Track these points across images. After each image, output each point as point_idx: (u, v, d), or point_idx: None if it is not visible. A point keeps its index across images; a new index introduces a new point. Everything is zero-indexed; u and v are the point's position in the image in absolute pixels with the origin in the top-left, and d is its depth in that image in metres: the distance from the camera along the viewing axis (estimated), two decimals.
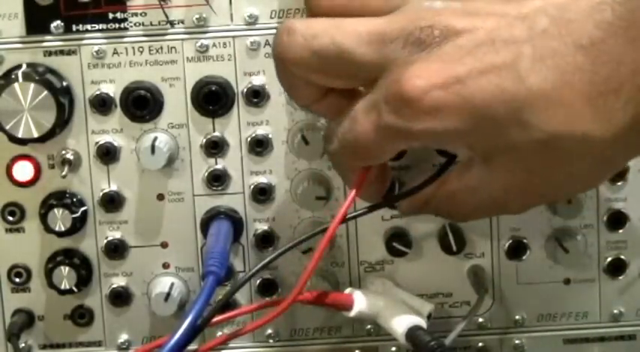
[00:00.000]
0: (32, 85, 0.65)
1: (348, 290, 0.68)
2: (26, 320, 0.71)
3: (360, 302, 0.67)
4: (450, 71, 0.52)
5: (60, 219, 0.68)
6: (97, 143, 0.69)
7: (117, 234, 0.71)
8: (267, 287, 0.71)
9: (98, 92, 0.68)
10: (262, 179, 0.70)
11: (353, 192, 0.60)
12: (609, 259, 0.71)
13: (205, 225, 0.70)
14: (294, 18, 0.60)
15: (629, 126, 0.51)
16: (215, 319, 0.62)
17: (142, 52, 0.68)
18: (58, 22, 0.68)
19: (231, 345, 0.72)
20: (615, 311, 0.72)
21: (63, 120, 0.67)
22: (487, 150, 0.54)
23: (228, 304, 0.70)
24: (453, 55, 0.52)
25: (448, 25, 0.53)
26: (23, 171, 0.69)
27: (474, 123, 0.52)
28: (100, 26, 0.68)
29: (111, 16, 0.68)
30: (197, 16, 0.68)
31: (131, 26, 0.68)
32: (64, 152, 0.69)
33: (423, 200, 0.62)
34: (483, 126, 0.52)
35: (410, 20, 0.54)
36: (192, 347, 0.63)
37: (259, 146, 0.69)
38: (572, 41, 0.51)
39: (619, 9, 0.51)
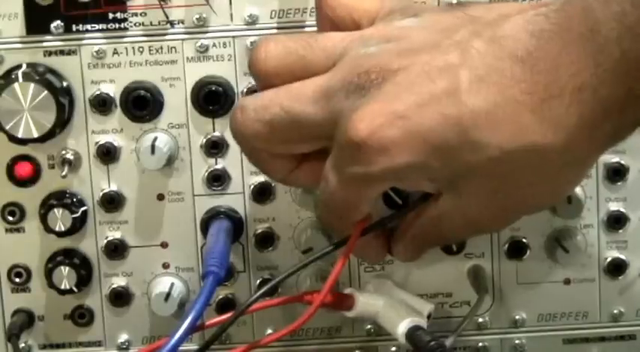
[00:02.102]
0: (32, 85, 0.65)
1: (348, 290, 0.68)
2: (26, 320, 0.71)
3: (360, 302, 0.67)
4: (391, 108, 0.53)
5: (60, 219, 0.68)
6: (97, 143, 0.69)
7: (117, 234, 0.71)
8: (268, 288, 0.71)
9: (98, 92, 0.68)
10: (262, 179, 0.70)
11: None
12: (609, 259, 0.71)
13: (205, 225, 0.70)
14: (247, 96, 0.62)
15: (579, 126, 0.51)
16: (216, 319, 0.62)
17: (142, 52, 0.68)
18: (58, 22, 0.68)
19: (231, 345, 0.72)
20: (615, 311, 0.72)
21: (63, 120, 0.67)
22: (449, 179, 0.55)
23: (227, 305, 0.70)
24: (392, 93, 0.53)
25: (384, 67, 0.54)
26: (23, 171, 0.69)
27: (426, 155, 0.53)
28: (100, 26, 0.68)
29: (111, 16, 0.68)
30: (197, 16, 0.68)
31: (131, 26, 0.68)
32: (64, 152, 0.69)
33: (410, 236, 0.62)
34: (436, 156, 0.53)
35: (348, 70, 0.55)
36: (192, 347, 0.63)
37: None
38: (508, 55, 0.51)
39: (553, 16, 0.51)
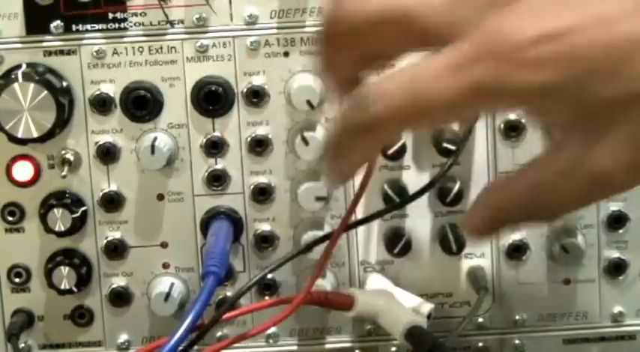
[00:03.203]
0: (32, 85, 0.65)
1: (348, 290, 0.68)
2: (26, 320, 0.71)
3: (360, 302, 0.67)
4: (557, 21, 0.47)
5: (60, 219, 0.68)
6: (96, 143, 0.69)
7: (117, 234, 0.71)
8: (267, 288, 0.71)
9: (98, 92, 0.68)
10: (262, 179, 0.70)
11: (355, 201, 0.60)
12: (609, 259, 0.71)
13: (205, 225, 0.70)
14: None
15: None
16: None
17: (141, 52, 0.68)
18: (58, 22, 0.68)
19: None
20: (615, 311, 0.72)
21: (63, 120, 0.67)
22: (590, 111, 0.48)
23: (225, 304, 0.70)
24: (552, 5, 0.48)
25: None
26: (23, 171, 0.69)
27: (579, 78, 0.47)
28: (100, 26, 0.68)
29: (111, 16, 0.68)
30: (197, 16, 0.68)
31: (131, 26, 0.68)
32: (63, 152, 0.69)
33: (508, 199, 0.51)
34: (590, 82, 0.47)
35: None
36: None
37: (259, 146, 0.69)
38: None
39: None
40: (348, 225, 0.61)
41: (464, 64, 0.47)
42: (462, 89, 0.48)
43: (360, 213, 0.69)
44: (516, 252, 0.71)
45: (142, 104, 0.68)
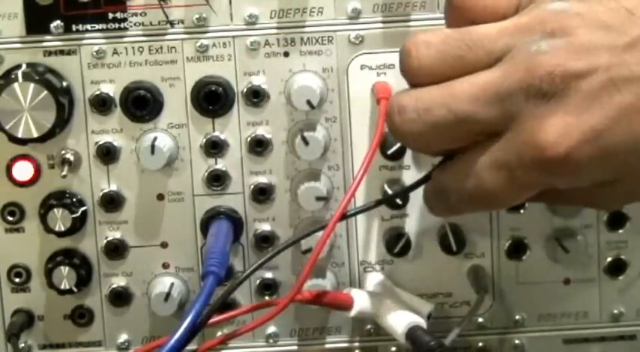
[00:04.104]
0: (32, 85, 0.65)
1: (348, 290, 0.68)
2: (26, 320, 0.71)
3: (360, 302, 0.67)
4: (586, 123, 0.51)
5: (60, 219, 0.68)
6: (96, 143, 0.69)
7: (117, 234, 0.71)
8: (267, 288, 0.71)
9: (98, 92, 0.68)
10: (262, 179, 0.70)
11: (350, 192, 0.61)
12: (609, 259, 0.71)
13: (205, 225, 0.70)
14: (400, 93, 0.58)
15: None
16: (214, 319, 0.62)
17: (141, 52, 0.68)
18: (58, 22, 0.68)
19: (231, 345, 0.72)
20: (615, 311, 0.72)
21: (63, 120, 0.67)
22: (626, 189, 0.55)
23: (228, 304, 0.70)
24: (580, 103, 0.51)
25: (566, 70, 0.52)
26: (23, 171, 0.69)
27: (615, 172, 0.53)
28: (100, 26, 0.68)
29: (111, 16, 0.68)
30: (197, 16, 0.68)
31: (131, 26, 0.68)
32: (63, 152, 0.69)
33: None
34: (625, 171, 0.53)
35: (524, 71, 0.53)
36: (192, 347, 0.63)
37: (259, 146, 0.69)
38: None
39: None
40: (344, 215, 0.61)
41: (504, 168, 0.54)
42: (510, 188, 0.55)
43: (360, 213, 0.69)
44: (516, 252, 0.71)
45: (142, 104, 0.68)
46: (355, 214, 0.65)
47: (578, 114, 0.51)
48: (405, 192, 0.67)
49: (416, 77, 0.57)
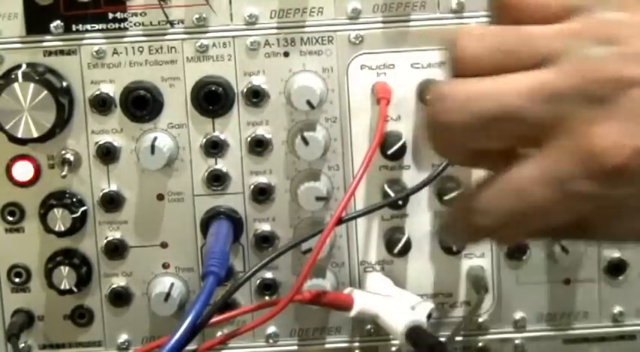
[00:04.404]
0: (32, 85, 0.65)
1: (348, 290, 0.68)
2: (26, 320, 0.71)
3: (360, 302, 0.67)
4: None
5: (60, 219, 0.68)
6: (96, 143, 0.69)
7: (117, 234, 0.71)
8: (267, 288, 0.71)
9: (98, 92, 0.68)
10: (262, 179, 0.70)
11: (349, 193, 0.60)
12: (609, 259, 0.71)
13: (205, 225, 0.70)
14: (445, 81, 0.55)
15: None
16: (214, 319, 0.63)
17: (141, 52, 0.68)
18: (58, 22, 0.68)
19: (231, 345, 0.72)
20: (615, 311, 0.72)
21: (63, 120, 0.67)
22: None
23: (228, 304, 0.70)
24: (635, 110, 0.50)
25: (622, 76, 0.51)
26: (23, 171, 0.69)
27: None
28: (100, 26, 0.68)
29: (111, 16, 0.68)
30: (197, 16, 0.68)
31: (131, 26, 0.68)
32: (63, 152, 0.69)
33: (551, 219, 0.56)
34: None
35: (582, 74, 0.52)
36: (192, 347, 0.63)
37: (259, 146, 0.69)
38: None
39: None
40: (341, 219, 0.62)
41: (556, 178, 0.51)
42: (562, 199, 0.51)
43: (356, 218, 0.69)
44: (516, 252, 0.71)
45: (142, 104, 0.68)
46: (352, 219, 0.65)
47: (633, 120, 0.51)
48: (400, 199, 0.67)
49: (463, 68, 0.55)
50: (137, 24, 0.68)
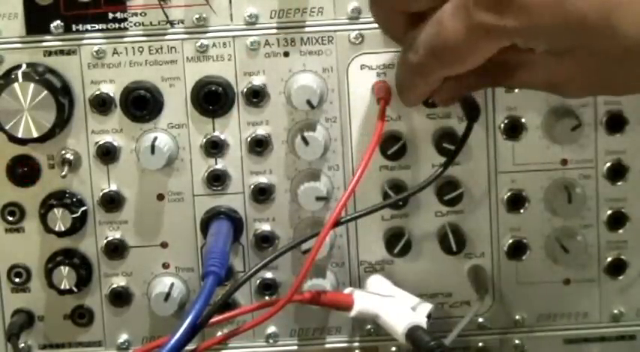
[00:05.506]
0: (32, 85, 0.65)
1: (348, 290, 0.68)
2: (26, 320, 0.71)
3: (360, 302, 0.67)
4: None
5: (60, 219, 0.68)
6: (96, 143, 0.69)
7: (117, 234, 0.71)
8: (267, 288, 0.71)
9: (98, 92, 0.68)
10: (262, 179, 0.70)
11: (348, 192, 0.60)
12: (609, 259, 0.71)
13: (205, 225, 0.70)
14: None
15: None
16: (214, 319, 0.63)
17: (141, 52, 0.68)
18: (58, 22, 0.68)
19: (231, 345, 0.72)
20: (615, 311, 0.72)
21: (63, 120, 0.67)
22: (567, 48, 0.55)
23: (228, 304, 0.70)
24: None
25: None
26: (23, 171, 0.69)
27: (564, 24, 0.53)
28: (100, 26, 0.68)
29: (111, 16, 0.68)
30: (197, 16, 0.68)
31: (131, 26, 0.68)
32: (63, 152, 0.69)
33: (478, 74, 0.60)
34: (572, 28, 0.53)
35: None
36: (192, 346, 0.63)
37: (259, 146, 0.69)
38: None
39: None
40: (340, 221, 0.62)
41: (462, 11, 0.55)
42: (465, 31, 0.55)
43: (354, 220, 0.69)
44: (516, 251, 0.71)
45: (142, 104, 0.68)
46: (351, 220, 0.65)
47: None
48: (400, 200, 0.67)
49: None
50: (137, 24, 0.68)
